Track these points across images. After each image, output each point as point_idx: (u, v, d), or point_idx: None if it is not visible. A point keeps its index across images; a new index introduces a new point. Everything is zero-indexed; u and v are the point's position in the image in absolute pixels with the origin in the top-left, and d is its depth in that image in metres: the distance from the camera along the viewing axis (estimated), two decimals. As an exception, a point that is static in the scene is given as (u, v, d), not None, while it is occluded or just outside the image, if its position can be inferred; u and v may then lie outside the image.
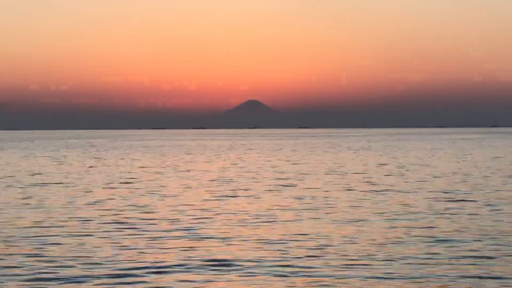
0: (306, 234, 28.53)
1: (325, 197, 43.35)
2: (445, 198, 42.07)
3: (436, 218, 33.18)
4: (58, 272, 21.92)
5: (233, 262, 23.15)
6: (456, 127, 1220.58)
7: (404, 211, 35.87)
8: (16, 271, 22.06)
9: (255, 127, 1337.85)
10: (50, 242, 27.13)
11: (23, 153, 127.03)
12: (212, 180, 58.02)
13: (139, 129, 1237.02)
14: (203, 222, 32.34)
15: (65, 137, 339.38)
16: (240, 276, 21.37)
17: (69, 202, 41.47)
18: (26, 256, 24.26)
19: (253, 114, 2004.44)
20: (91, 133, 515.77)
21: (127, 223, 32.29)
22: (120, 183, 55.79)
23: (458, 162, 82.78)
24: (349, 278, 20.84)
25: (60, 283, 20.69)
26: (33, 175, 65.27)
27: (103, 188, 51.22)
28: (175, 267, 22.54)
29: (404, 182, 54.57)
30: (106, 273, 21.78)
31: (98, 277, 21.31)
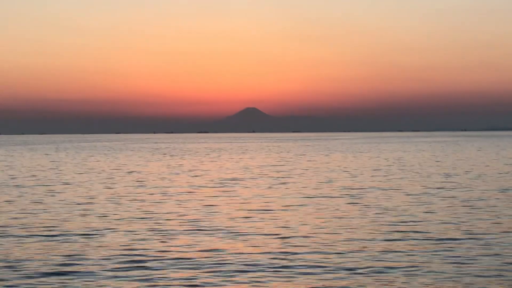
0: (305, 224, 27.58)
1: (323, 196, 42.23)
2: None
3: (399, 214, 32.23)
4: (74, 265, 20.80)
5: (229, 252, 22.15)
6: (430, 131, 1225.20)
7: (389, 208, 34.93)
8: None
9: (253, 131, 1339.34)
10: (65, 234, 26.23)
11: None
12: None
13: (152, 133, 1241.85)
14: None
15: (84, 140, 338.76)
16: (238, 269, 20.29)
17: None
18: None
19: (251, 120, 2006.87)
20: (117, 137, 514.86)
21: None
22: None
23: (437, 162, 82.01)
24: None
25: (70, 274, 19.55)
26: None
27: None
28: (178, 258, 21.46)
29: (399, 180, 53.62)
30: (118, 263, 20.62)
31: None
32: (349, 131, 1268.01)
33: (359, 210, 33.35)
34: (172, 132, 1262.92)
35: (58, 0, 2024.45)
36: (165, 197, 40.86)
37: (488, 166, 71.57)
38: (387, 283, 18.33)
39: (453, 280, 18.53)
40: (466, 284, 18.23)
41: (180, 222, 29.62)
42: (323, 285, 18.24)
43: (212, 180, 54.54)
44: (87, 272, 19.82)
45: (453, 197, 39.38)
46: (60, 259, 21.65)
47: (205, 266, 20.54)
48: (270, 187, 47.48)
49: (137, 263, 20.95)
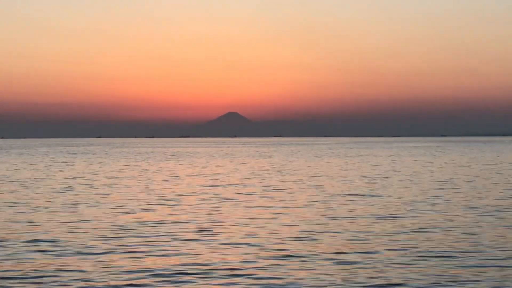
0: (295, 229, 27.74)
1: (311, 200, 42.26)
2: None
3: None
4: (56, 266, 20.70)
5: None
6: (409, 136, 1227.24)
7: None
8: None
9: (235, 136, 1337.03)
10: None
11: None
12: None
13: (133, 137, 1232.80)
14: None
15: (70, 144, 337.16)
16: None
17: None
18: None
19: (232, 124, 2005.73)
20: (91, 141, 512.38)
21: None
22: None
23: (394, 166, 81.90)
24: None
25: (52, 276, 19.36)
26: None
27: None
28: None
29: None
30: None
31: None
32: (330, 136, 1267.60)
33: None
34: (153, 137, 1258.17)
35: (45, 3, 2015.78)
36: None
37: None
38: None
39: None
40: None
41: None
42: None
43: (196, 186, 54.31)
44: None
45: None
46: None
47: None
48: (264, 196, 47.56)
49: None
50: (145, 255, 22.46)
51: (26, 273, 19.69)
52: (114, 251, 23.15)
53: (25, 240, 25.54)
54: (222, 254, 22.68)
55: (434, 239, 25.54)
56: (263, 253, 22.88)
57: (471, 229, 28.05)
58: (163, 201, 40.45)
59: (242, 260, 21.65)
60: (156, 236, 26.60)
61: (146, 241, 25.23)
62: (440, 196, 42.89)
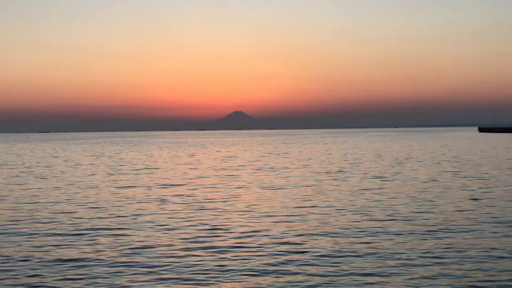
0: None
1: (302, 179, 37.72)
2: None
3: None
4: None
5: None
6: (371, 127, 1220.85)
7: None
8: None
9: (240, 129, 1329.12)
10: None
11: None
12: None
13: (163, 130, 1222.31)
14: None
15: (121, 136, 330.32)
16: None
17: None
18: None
19: (238, 120, 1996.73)
20: (132, 134, 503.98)
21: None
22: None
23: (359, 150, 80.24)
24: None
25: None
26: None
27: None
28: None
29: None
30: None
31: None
32: (309, 128, 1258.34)
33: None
34: (178, 130, 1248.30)
35: (99, 30, 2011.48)
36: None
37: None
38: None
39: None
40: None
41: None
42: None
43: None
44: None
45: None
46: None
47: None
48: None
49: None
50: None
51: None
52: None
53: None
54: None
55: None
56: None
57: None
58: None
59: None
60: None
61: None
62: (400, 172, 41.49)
